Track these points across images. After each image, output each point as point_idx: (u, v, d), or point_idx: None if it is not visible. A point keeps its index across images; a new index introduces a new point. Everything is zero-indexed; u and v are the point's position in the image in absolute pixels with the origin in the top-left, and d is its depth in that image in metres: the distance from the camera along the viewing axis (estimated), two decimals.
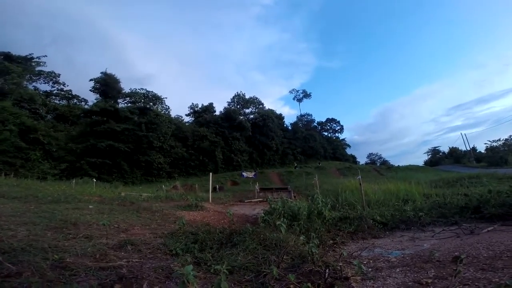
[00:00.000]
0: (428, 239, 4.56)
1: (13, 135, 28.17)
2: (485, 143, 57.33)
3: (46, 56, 46.34)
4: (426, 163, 69.22)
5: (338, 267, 2.82)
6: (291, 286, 2.33)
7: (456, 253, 3.13)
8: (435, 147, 75.83)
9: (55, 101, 44.82)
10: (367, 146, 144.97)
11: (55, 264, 2.33)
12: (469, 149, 55.86)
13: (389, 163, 70.30)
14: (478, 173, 17.79)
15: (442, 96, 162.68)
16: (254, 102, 60.87)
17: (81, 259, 2.65)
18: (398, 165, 54.03)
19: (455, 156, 61.32)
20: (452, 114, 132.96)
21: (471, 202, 6.57)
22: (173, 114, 53.66)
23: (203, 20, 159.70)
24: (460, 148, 63.23)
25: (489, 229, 4.44)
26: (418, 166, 52.36)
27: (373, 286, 2.47)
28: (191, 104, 58.12)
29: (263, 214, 6.11)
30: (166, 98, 52.55)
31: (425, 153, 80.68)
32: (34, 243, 2.85)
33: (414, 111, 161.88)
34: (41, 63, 45.31)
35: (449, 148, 67.27)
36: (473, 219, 5.63)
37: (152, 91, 51.03)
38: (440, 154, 71.80)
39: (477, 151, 58.11)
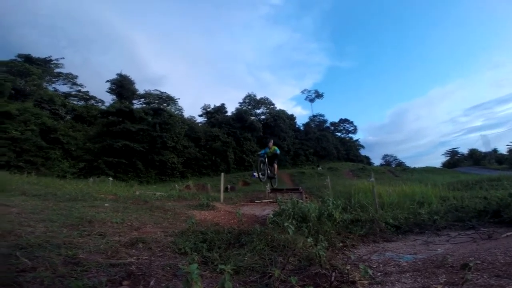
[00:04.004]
0: (442, 244, 4.42)
1: (34, 135, 29.42)
2: (507, 145, 54.80)
3: (63, 58, 48.16)
4: (444, 164, 67.08)
5: (345, 271, 2.79)
6: None
7: (471, 259, 3.03)
8: (453, 148, 73.44)
9: (74, 102, 46.41)
10: (382, 147, 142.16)
11: (68, 260, 2.42)
12: (489, 150, 53.59)
13: (405, 164, 68.66)
14: (499, 176, 17.06)
15: (459, 96, 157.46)
16: (265, 102, 60.94)
17: (94, 255, 2.75)
18: (414, 167, 52.70)
19: (474, 157, 59.13)
20: (471, 114, 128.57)
21: (490, 205, 6.32)
22: (186, 114, 54.61)
23: (214, 20, 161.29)
24: (480, 150, 60.89)
25: (508, 234, 4.26)
26: (435, 167, 50.85)
27: None
28: (203, 104, 58.83)
29: (272, 215, 6.10)
30: (179, 99, 53.68)
31: (442, 154, 78.46)
32: (50, 240, 2.98)
33: (431, 112, 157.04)
34: (60, 65, 47.26)
35: (468, 149, 64.93)
36: (492, 223, 5.41)
37: (165, 92, 52.27)
38: (459, 155, 69.39)
39: (498, 153, 55.75)
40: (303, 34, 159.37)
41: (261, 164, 9.72)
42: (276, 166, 10.58)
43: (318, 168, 46.70)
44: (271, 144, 10.50)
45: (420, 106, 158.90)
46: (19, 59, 41.94)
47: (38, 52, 79.62)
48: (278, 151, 10.41)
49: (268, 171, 10.08)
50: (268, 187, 17.60)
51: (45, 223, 4.10)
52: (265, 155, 10.06)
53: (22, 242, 2.72)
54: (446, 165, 64.88)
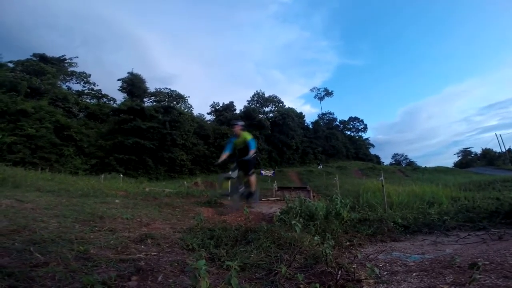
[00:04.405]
0: (451, 244, 4.35)
1: (48, 132, 30.26)
2: None
3: (77, 57, 49.34)
4: (456, 164, 65.67)
5: (352, 269, 2.79)
6: (301, 286, 2.35)
7: (479, 259, 2.99)
8: (466, 148, 71.93)
9: (86, 100, 47.58)
10: (392, 146, 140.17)
11: (80, 255, 2.50)
12: (504, 150, 52.04)
13: (415, 164, 67.52)
14: None
15: (474, 94, 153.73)
16: (274, 100, 60.96)
17: (104, 251, 2.83)
18: (425, 166, 51.67)
19: (488, 157, 57.66)
20: (486, 113, 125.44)
21: (502, 206, 6.16)
22: (195, 112, 55.40)
23: (224, 20, 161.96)
24: (494, 150, 59.24)
25: None
26: (447, 167, 49.76)
27: None
28: (212, 103, 59.31)
29: (279, 213, 6.12)
30: (189, 97, 54.42)
31: (455, 154, 77.00)
32: (63, 235, 3.07)
33: (443, 110, 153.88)
34: (73, 64, 48.40)
35: (482, 149, 63.32)
36: (503, 224, 5.29)
37: (175, 90, 53.10)
38: (472, 155, 67.85)
39: None
40: (312, 32, 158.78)
41: (226, 180, 6.06)
42: (253, 178, 6.30)
43: (319, 167, 46.18)
44: (237, 128, 6.26)
45: (433, 105, 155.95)
46: (34, 59, 43.12)
47: (53, 51, 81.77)
48: (254, 144, 6.00)
49: (242, 187, 6.21)
50: (275, 185, 17.57)
51: (58, 218, 4.23)
52: (234, 152, 6.24)
53: (36, 238, 2.82)
54: (458, 165, 63.50)
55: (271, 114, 58.07)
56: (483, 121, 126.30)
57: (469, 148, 72.16)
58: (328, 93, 76.44)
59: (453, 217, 6.14)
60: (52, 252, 2.45)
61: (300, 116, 62.15)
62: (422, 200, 9.44)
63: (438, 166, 50.53)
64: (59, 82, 44.22)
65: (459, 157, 71.02)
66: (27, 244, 2.58)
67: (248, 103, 58.98)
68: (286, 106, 60.65)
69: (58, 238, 2.93)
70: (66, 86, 46.71)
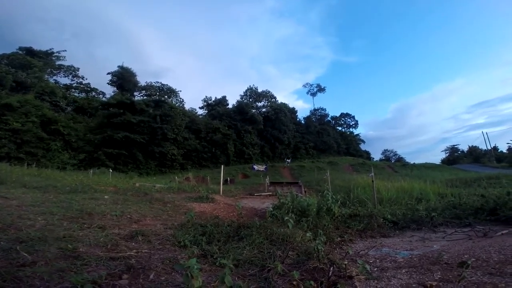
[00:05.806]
0: (438, 240, 4.47)
1: (35, 127, 29.43)
2: (508, 143, 54.79)
3: (65, 50, 47.99)
4: (443, 161, 66.93)
5: (343, 266, 2.82)
6: (294, 282, 2.36)
7: (465, 256, 3.07)
8: (453, 145, 73.21)
9: (75, 94, 46.36)
10: (383, 142, 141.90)
11: (68, 254, 2.45)
12: (490, 148, 53.47)
13: (404, 160, 68.79)
14: (497, 174, 17.12)
15: (464, 92, 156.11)
16: (267, 95, 60.68)
17: (93, 249, 2.78)
18: (414, 163, 52.52)
19: (474, 155, 58.99)
20: (474, 111, 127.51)
21: (487, 203, 6.35)
22: (187, 106, 54.60)
23: (218, 13, 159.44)
24: (480, 147, 60.72)
25: (503, 232, 4.30)
26: (434, 164, 50.73)
27: (376, 286, 2.47)
28: (204, 97, 58.73)
29: (271, 209, 6.15)
30: (180, 91, 53.67)
31: (442, 151, 78.34)
32: (50, 233, 3.00)
33: (433, 108, 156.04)
34: (61, 57, 47.16)
35: (469, 146, 64.79)
36: (488, 221, 5.46)
37: (167, 84, 52.27)
38: (459, 152, 69.31)
39: (499, 151, 55.73)
40: (308, 28, 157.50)
41: None
42: None
43: (287, 161, 46.17)
44: None
45: (423, 102, 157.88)
46: (20, 52, 41.81)
47: (41, 45, 79.30)
48: None
49: None
50: (267, 180, 17.64)
51: (45, 215, 4.13)
52: None
53: (22, 236, 2.75)
54: (446, 161, 64.83)
55: (264, 109, 57.92)
56: (471, 119, 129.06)
57: (456, 145, 73.52)
58: (320, 89, 76.61)
59: (440, 214, 6.30)
60: (40, 251, 2.39)
61: (293, 111, 62.26)
62: (411, 196, 9.64)
63: (426, 163, 51.53)
64: (46, 76, 42.86)
65: (447, 154, 72.54)
66: (13, 243, 2.51)
67: (241, 98, 58.61)
68: (279, 101, 60.64)
69: (45, 236, 2.86)
70: (54, 80, 45.28)
